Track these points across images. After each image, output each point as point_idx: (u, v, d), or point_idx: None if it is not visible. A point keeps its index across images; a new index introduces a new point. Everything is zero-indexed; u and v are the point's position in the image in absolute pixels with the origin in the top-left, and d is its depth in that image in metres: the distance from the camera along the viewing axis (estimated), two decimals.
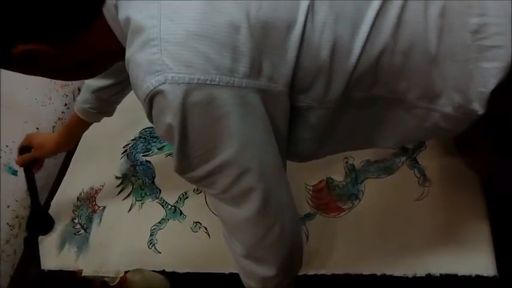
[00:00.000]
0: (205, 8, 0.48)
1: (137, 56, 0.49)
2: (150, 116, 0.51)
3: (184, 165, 0.53)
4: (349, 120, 0.61)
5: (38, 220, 1.18)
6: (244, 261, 0.63)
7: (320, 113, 0.57)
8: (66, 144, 1.09)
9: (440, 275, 0.75)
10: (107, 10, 0.53)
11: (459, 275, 0.74)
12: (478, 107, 0.56)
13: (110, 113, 1.04)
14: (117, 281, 0.81)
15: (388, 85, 0.57)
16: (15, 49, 0.51)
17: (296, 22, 0.50)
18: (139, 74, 0.49)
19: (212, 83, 0.47)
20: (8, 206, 1.22)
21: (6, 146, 1.24)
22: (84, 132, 1.10)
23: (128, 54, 0.51)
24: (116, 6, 0.53)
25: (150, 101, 0.48)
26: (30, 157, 1.08)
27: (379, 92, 0.57)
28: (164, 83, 0.46)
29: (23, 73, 0.59)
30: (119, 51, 0.54)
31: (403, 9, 0.52)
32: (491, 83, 0.54)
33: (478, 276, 0.73)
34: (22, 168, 1.14)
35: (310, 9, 0.51)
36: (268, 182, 0.55)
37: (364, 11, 0.52)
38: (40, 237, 1.19)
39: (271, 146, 0.55)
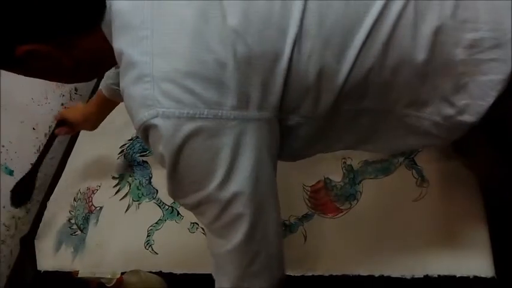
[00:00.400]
0: (192, 45, 0.50)
1: (131, 89, 0.52)
2: (146, 142, 0.54)
3: (176, 192, 0.56)
4: (339, 128, 0.62)
5: (25, 187, 1.15)
6: None
7: (309, 127, 0.59)
8: (99, 121, 1.11)
9: (439, 276, 0.75)
10: (105, 25, 0.55)
11: (457, 276, 0.74)
12: (470, 118, 0.56)
13: None
14: (113, 282, 0.80)
15: (377, 97, 0.57)
16: (19, 49, 0.53)
17: (283, 54, 0.51)
18: (133, 105, 0.52)
19: (201, 116, 0.49)
20: (4, 207, 1.22)
21: (3, 146, 1.23)
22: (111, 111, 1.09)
23: (122, 84, 0.54)
24: (111, 28, 0.54)
25: (144, 131, 0.52)
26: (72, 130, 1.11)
27: (369, 104, 0.58)
28: (156, 116, 0.50)
29: (23, 74, 0.60)
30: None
31: (392, 32, 0.53)
32: (491, 95, 0.55)
33: (476, 278, 0.72)
34: (18, 168, 1.14)
35: (297, 40, 0.52)
36: (258, 207, 0.55)
37: (353, 37, 0.53)
38: (37, 238, 1.18)
39: (263, 172, 0.55)
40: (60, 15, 0.53)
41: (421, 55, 0.53)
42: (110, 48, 0.56)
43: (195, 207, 0.56)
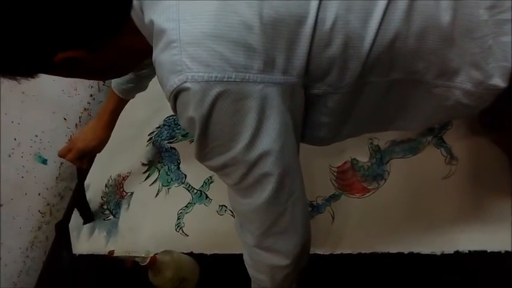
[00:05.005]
0: (219, 9, 0.50)
1: (161, 56, 0.52)
2: (175, 110, 0.55)
3: (203, 154, 0.57)
4: (369, 104, 0.61)
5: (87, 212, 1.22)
6: (255, 251, 0.64)
7: (337, 97, 0.59)
8: (112, 129, 1.13)
9: (469, 251, 0.75)
10: (135, 13, 0.57)
11: (488, 251, 0.73)
12: (500, 82, 0.56)
13: (145, 87, 1.07)
14: (147, 261, 0.83)
15: (405, 67, 0.57)
16: (56, 57, 0.55)
17: (307, 17, 0.52)
18: (163, 73, 0.52)
19: (229, 80, 0.50)
20: (39, 194, 1.26)
21: (36, 136, 1.27)
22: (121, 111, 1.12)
23: (153, 55, 0.54)
24: (142, 9, 0.56)
25: (175, 97, 0.52)
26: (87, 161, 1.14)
27: (397, 75, 0.58)
28: (185, 81, 0.50)
29: (61, 76, 0.63)
30: (148, 51, 0.57)
31: None
32: None
33: (507, 252, 0.72)
34: (51, 157, 1.18)
35: (321, 4, 0.52)
36: (284, 170, 0.56)
37: (375, 1, 0.53)
38: (70, 224, 1.22)
39: (289, 136, 0.57)
40: (92, 21, 0.55)
41: (445, 18, 0.53)
42: (141, 41, 0.58)
43: (220, 169, 0.57)
